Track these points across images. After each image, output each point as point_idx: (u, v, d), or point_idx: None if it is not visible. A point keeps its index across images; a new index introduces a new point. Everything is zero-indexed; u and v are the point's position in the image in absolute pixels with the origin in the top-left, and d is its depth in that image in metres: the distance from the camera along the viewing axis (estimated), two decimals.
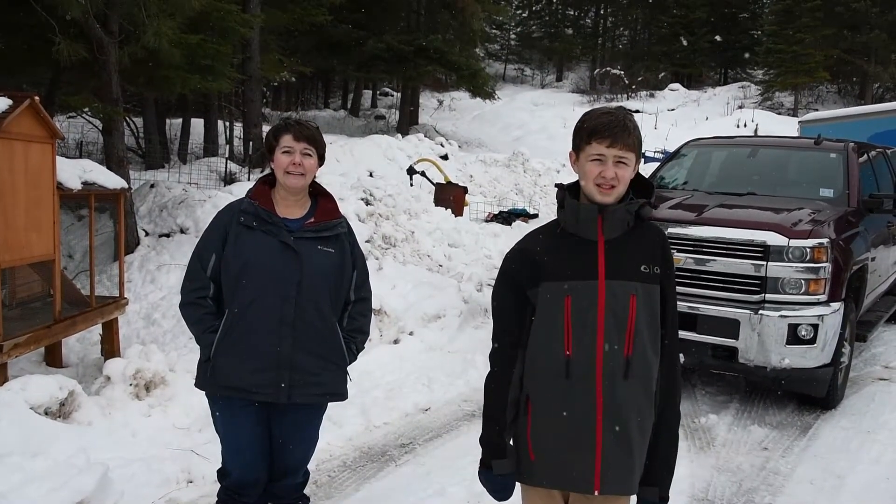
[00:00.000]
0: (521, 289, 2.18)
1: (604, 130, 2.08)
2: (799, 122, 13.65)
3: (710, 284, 5.18)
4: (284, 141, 2.71)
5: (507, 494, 2.25)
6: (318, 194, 2.87)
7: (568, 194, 2.20)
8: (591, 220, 2.12)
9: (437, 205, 11.20)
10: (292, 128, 2.73)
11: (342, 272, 2.83)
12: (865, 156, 6.66)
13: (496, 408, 2.22)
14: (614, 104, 29.01)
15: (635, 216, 2.16)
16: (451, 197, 11.77)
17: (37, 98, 4.81)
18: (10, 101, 4.63)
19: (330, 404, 2.99)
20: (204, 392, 2.87)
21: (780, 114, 29.09)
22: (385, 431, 4.79)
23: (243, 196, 2.86)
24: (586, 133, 2.12)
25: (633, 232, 2.17)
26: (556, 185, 2.47)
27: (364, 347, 3.02)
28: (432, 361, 6.04)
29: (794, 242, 4.97)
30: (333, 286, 2.80)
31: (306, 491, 3.14)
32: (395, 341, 6.45)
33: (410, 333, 6.56)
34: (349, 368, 2.93)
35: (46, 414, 4.19)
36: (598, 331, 2.08)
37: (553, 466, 2.16)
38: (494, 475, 2.22)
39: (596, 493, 2.11)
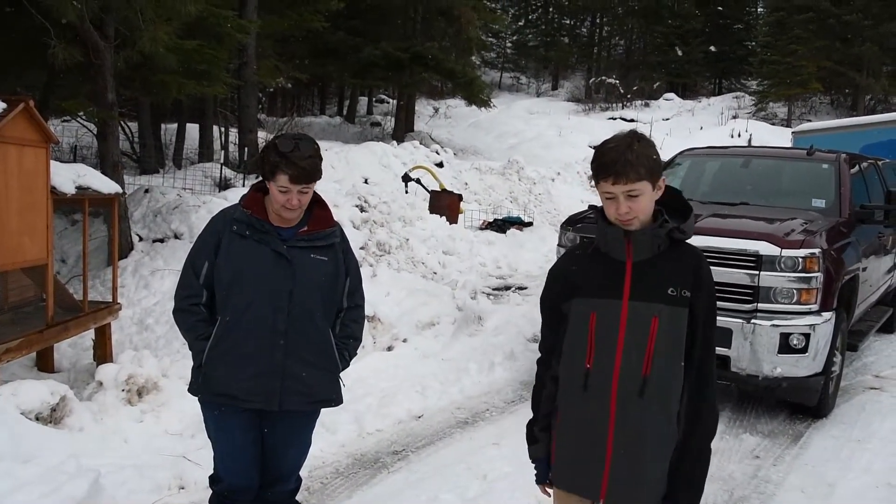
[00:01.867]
0: (556, 302, 2.33)
1: (608, 169, 2.13)
2: (792, 132, 13.73)
3: None
4: (280, 180, 2.61)
5: (540, 477, 2.45)
6: (313, 202, 2.84)
7: (600, 215, 2.26)
8: (617, 242, 2.20)
9: (431, 212, 11.22)
10: (290, 170, 2.58)
11: (335, 280, 2.83)
12: (857, 167, 6.71)
13: (532, 403, 2.47)
14: (610, 114, 28.92)
15: (668, 238, 2.20)
16: (445, 204, 11.78)
17: (31, 102, 4.81)
18: (3, 105, 4.62)
19: (323, 410, 2.99)
20: (197, 398, 2.87)
21: (773, 124, 29.19)
22: (378, 438, 4.78)
23: (237, 202, 2.85)
24: (594, 172, 2.19)
25: (666, 254, 2.21)
26: (590, 207, 2.50)
27: (356, 354, 3.02)
28: (426, 369, 6.04)
29: (787, 252, 5.00)
30: (326, 294, 2.80)
31: (298, 497, 3.14)
32: (389, 348, 6.46)
33: (404, 340, 6.56)
34: (343, 375, 2.94)
35: (38, 419, 4.18)
36: (616, 348, 2.17)
37: (568, 471, 2.31)
38: (530, 457, 2.47)
39: (601, 501, 2.24)
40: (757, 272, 5.07)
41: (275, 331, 2.69)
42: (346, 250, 2.90)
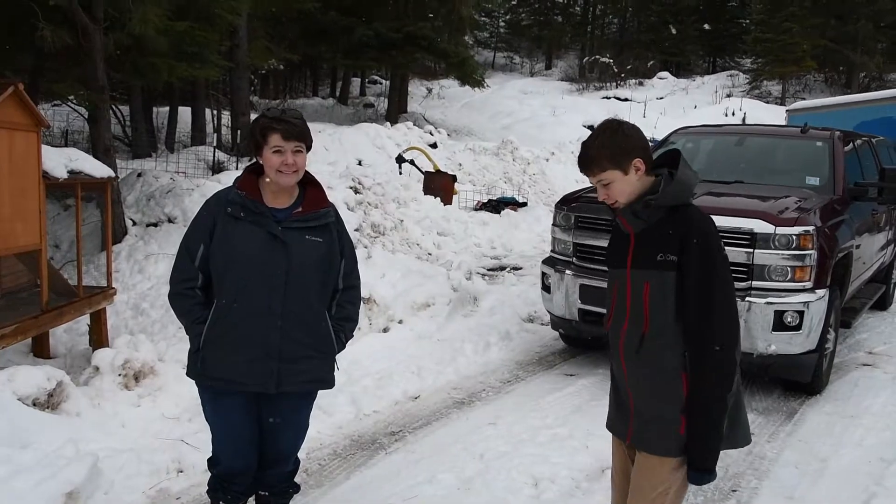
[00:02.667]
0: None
1: (579, 163, 2.44)
2: (787, 110, 13.73)
3: None
4: (273, 140, 2.63)
5: None
6: (307, 183, 2.83)
7: None
8: (616, 218, 2.46)
9: (426, 193, 11.22)
10: (280, 126, 2.63)
11: (330, 261, 2.83)
12: (851, 144, 6.71)
13: None
14: (604, 93, 28.80)
15: (654, 206, 2.35)
16: (440, 185, 11.77)
17: (21, 85, 4.77)
18: None
19: (320, 393, 3.00)
20: (194, 381, 2.87)
21: (767, 102, 29.18)
22: (375, 419, 4.80)
23: (231, 184, 2.84)
24: None
25: (664, 221, 2.36)
26: None
27: (353, 335, 3.03)
28: (421, 350, 6.05)
29: (781, 230, 5.00)
30: (321, 276, 2.80)
31: (297, 479, 3.16)
32: (385, 330, 6.47)
33: (400, 322, 6.57)
34: (338, 357, 2.94)
35: (34, 405, 4.18)
36: (626, 313, 2.45)
37: (612, 417, 2.64)
38: None
39: (627, 442, 2.56)
40: (751, 250, 5.07)
41: (271, 313, 2.69)
42: (340, 231, 2.89)
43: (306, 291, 2.74)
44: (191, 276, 2.77)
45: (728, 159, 6.64)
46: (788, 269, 5.03)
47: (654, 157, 2.47)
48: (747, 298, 5.02)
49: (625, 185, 2.37)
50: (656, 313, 2.37)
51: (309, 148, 2.77)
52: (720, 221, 5.06)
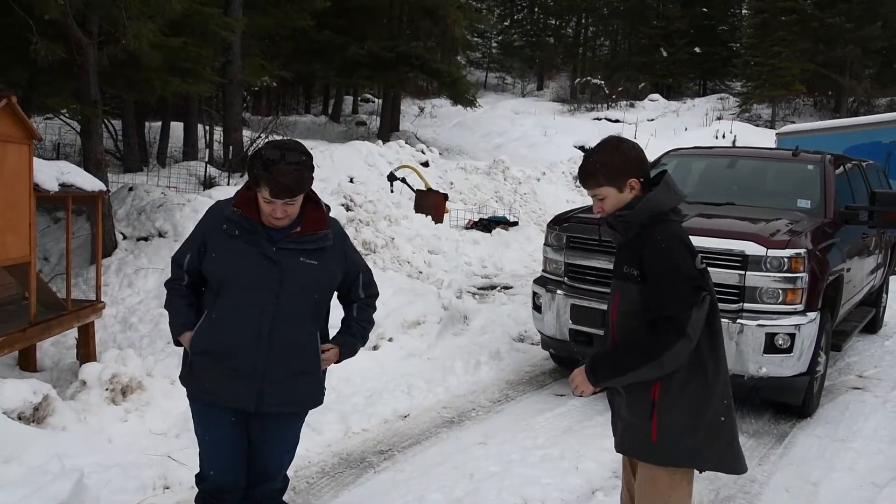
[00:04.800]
0: None
1: (579, 177, 2.60)
2: (776, 133, 13.86)
3: None
4: (263, 193, 2.56)
5: None
6: (307, 200, 2.77)
7: None
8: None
9: (417, 211, 11.21)
10: (271, 184, 2.51)
11: (325, 285, 2.79)
12: (842, 168, 6.76)
13: None
14: (595, 114, 28.99)
15: (644, 222, 2.47)
16: (431, 203, 11.77)
17: (14, 98, 4.75)
18: None
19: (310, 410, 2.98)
20: (185, 391, 2.86)
21: (757, 125, 29.44)
22: (364, 438, 4.76)
23: (230, 197, 2.81)
24: None
25: (637, 236, 2.49)
26: None
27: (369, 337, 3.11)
28: (412, 368, 6.02)
29: (773, 252, 5.02)
30: (313, 298, 2.77)
31: (284, 497, 3.12)
32: (375, 347, 6.43)
33: (390, 340, 6.54)
34: (328, 373, 2.92)
35: (20, 419, 4.12)
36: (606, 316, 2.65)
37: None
38: None
39: (617, 450, 2.72)
40: (743, 272, 5.08)
41: (259, 334, 2.67)
42: (346, 251, 2.87)
43: (297, 314, 2.72)
44: (177, 276, 2.86)
45: (720, 181, 6.68)
46: (780, 291, 5.04)
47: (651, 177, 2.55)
48: (739, 321, 5.02)
49: (618, 201, 2.51)
50: (622, 324, 2.52)
51: (304, 191, 2.66)
52: (712, 243, 5.20)
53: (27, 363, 5.64)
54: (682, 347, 2.36)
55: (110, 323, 6.84)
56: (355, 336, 2.99)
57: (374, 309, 3.08)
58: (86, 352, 5.78)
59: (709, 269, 5.08)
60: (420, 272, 9.11)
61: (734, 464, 2.56)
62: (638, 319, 2.44)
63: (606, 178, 2.48)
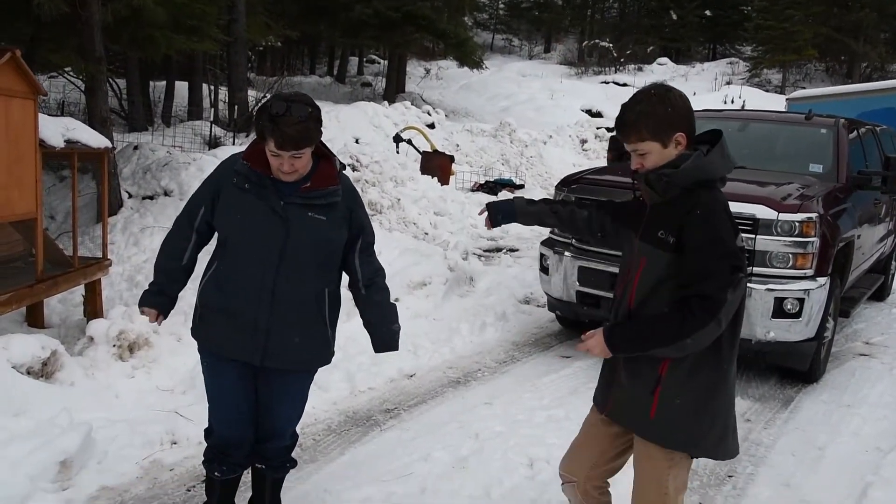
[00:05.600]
0: None
1: (616, 126, 2.31)
2: (787, 99, 13.68)
3: None
4: (270, 145, 2.52)
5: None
6: (320, 156, 2.73)
7: None
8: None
9: (423, 173, 11.15)
10: (276, 135, 2.47)
11: (332, 241, 2.74)
12: (855, 132, 6.67)
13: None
14: (603, 78, 28.58)
15: (689, 185, 2.23)
16: (437, 165, 11.71)
17: (18, 52, 4.68)
18: None
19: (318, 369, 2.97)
20: (196, 344, 2.86)
21: (767, 91, 29.08)
22: (370, 396, 4.78)
23: (240, 152, 2.77)
24: None
25: (675, 200, 2.26)
26: None
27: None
28: (417, 328, 6.02)
29: (783, 216, 4.97)
30: (320, 254, 2.72)
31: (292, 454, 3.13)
32: None
33: (396, 300, 6.51)
34: (336, 332, 2.90)
35: (28, 373, 4.14)
36: (621, 281, 2.42)
37: (597, 387, 2.62)
38: None
39: (605, 413, 2.52)
40: (753, 236, 5.04)
41: (262, 287, 2.64)
42: (353, 207, 2.79)
43: (302, 269, 2.68)
44: (183, 236, 2.82)
45: (730, 145, 6.52)
46: (790, 255, 5.00)
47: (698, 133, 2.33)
48: (747, 285, 4.99)
49: (662, 158, 2.24)
50: (643, 293, 2.29)
51: (319, 132, 2.61)
52: None
53: (35, 320, 5.64)
54: (711, 331, 2.16)
55: (117, 281, 6.84)
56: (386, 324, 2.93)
57: (387, 291, 2.93)
58: (93, 309, 5.78)
59: None
60: (426, 233, 9.09)
61: (728, 451, 2.41)
62: (667, 290, 2.23)
63: (651, 132, 2.21)
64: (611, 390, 2.47)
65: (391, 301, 2.97)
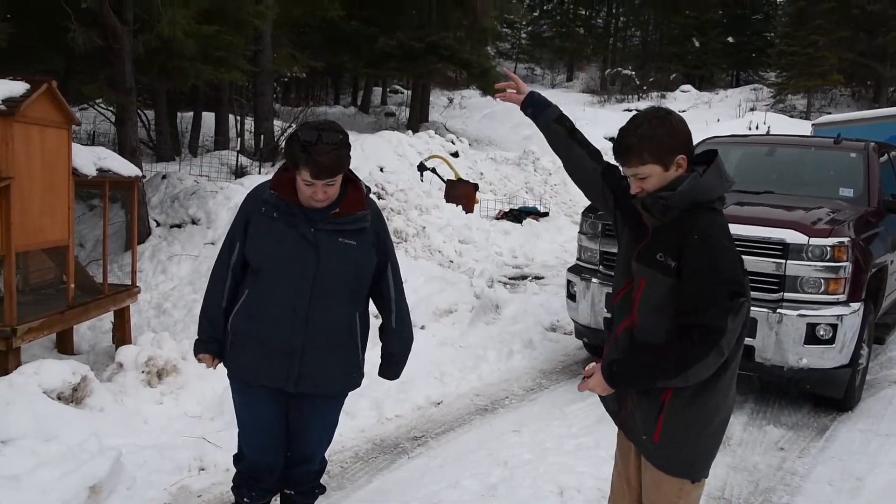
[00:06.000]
0: None
1: (615, 151, 2.27)
2: (812, 124, 13.55)
3: None
4: (303, 175, 2.53)
5: None
6: (347, 181, 2.74)
7: None
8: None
9: (447, 201, 11.18)
10: (311, 165, 2.49)
11: (363, 265, 2.76)
12: (886, 156, 6.58)
13: None
14: (625, 106, 28.56)
15: (686, 207, 2.19)
16: (461, 193, 11.73)
17: (54, 83, 4.79)
18: (27, 86, 4.61)
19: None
20: (226, 371, 2.87)
21: (792, 116, 28.89)
22: (397, 424, 4.75)
23: (268, 180, 2.80)
24: None
25: (674, 222, 2.21)
26: None
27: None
28: (444, 356, 5.99)
29: (815, 241, 4.90)
30: (352, 279, 2.74)
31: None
32: None
33: (422, 327, 6.51)
34: (365, 359, 2.90)
35: (59, 399, 4.17)
36: (621, 299, 2.36)
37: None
38: None
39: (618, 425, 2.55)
40: (783, 261, 4.97)
41: (296, 315, 2.66)
42: (379, 232, 2.81)
43: (334, 295, 2.69)
44: (221, 277, 2.81)
45: (758, 170, 6.53)
46: (822, 280, 4.92)
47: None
48: (779, 310, 4.92)
49: (662, 181, 2.21)
50: (648, 319, 2.24)
51: (343, 171, 2.65)
52: (751, 231, 5.09)
53: (65, 346, 5.71)
54: (713, 362, 2.12)
55: (144, 308, 6.91)
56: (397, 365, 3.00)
57: (412, 329, 3.00)
58: (121, 335, 5.84)
59: (747, 257, 5.07)
60: (451, 261, 9.08)
61: (707, 469, 2.38)
62: (668, 317, 2.18)
63: (653, 156, 2.18)
64: (625, 405, 2.41)
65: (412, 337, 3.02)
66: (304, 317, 2.65)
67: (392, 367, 2.97)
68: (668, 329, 2.17)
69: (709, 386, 2.20)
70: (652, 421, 2.26)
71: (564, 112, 2.76)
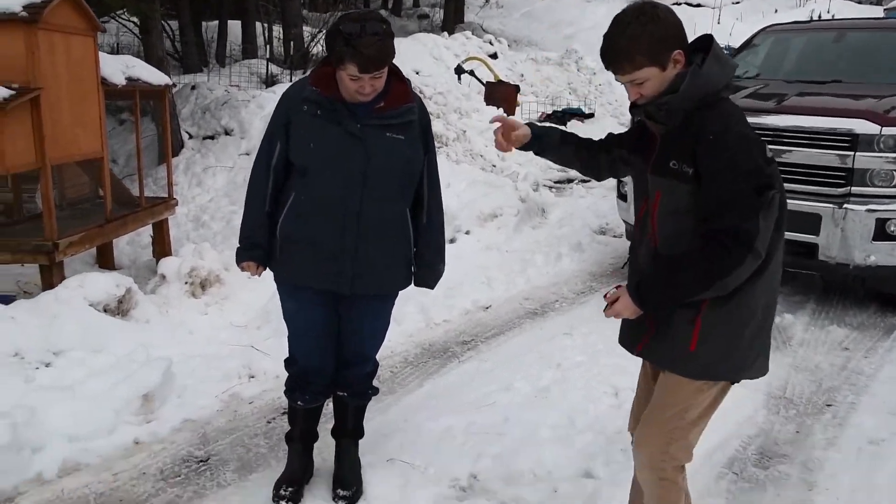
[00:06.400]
0: None
1: (603, 59, 2.01)
2: (885, 9, 12.69)
3: (789, 177, 4.81)
4: (349, 69, 2.37)
5: None
6: (391, 74, 2.55)
7: None
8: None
9: (487, 104, 10.80)
10: (357, 58, 2.32)
11: (412, 159, 2.61)
12: None
13: None
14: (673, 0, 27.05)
15: (693, 106, 1.96)
16: (502, 95, 11.31)
17: None
18: None
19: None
20: (273, 275, 2.75)
21: (860, 3, 27.10)
22: (445, 329, 4.67)
23: (304, 77, 2.61)
24: None
25: (684, 123, 1.99)
26: None
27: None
28: (490, 261, 5.86)
29: (888, 130, 4.58)
30: (402, 174, 2.60)
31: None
32: (452, 240, 6.25)
33: (467, 232, 6.37)
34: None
35: (105, 311, 4.14)
36: (641, 221, 2.17)
37: (622, 329, 2.35)
38: None
39: (638, 350, 2.25)
40: (851, 153, 4.67)
41: (347, 213, 2.53)
42: (425, 129, 2.65)
43: (385, 191, 2.56)
44: (262, 180, 2.63)
45: (824, 57, 6.06)
46: (894, 173, 4.62)
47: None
48: (845, 205, 4.66)
49: (662, 82, 1.98)
50: (669, 228, 2.05)
51: (390, 61, 2.46)
52: (814, 122, 4.76)
53: (105, 261, 5.67)
54: (750, 265, 1.93)
55: (182, 221, 6.84)
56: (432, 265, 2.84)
57: (444, 230, 2.84)
58: (161, 249, 5.78)
59: (811, 150, 4.76)
60: (493, 166, 8.82)
61: (763, 368, 2.16)
62: (690, 220, 1.99)
63: (648, 56, 1.94)
64: (642, 326, 2.16)
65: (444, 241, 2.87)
66: (355, 215, 2.53)
67: (424, 270, 2.80)
68: (691, 240, 1.97)
69: (748, 282, 2.00)
70: (687, 325, 2.04)
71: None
